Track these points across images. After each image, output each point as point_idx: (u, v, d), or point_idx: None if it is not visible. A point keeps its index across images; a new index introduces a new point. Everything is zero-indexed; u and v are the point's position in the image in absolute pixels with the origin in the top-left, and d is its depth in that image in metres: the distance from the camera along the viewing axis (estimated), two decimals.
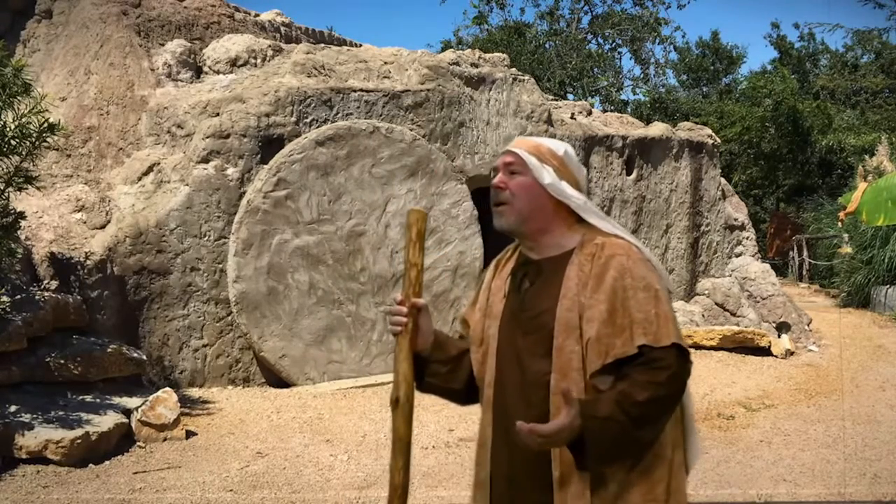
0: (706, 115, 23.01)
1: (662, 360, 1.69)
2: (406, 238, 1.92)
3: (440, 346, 1.96)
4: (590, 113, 10.25)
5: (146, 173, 6.69)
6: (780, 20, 44.34)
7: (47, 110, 4.94)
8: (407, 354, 1.87)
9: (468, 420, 5.42)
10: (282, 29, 9.27)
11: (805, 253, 17.50)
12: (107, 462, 4.63)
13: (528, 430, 1.63)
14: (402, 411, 1.85)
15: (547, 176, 1.83)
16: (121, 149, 7.04)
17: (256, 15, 9.12)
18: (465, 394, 1.98)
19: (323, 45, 8.63)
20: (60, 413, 4.83)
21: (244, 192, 6.51)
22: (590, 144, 8.95)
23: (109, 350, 5.45)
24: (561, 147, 1.90)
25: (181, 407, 5.29)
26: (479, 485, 1.89)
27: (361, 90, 7.18)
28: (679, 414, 1.83)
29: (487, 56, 8.73)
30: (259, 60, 7.67)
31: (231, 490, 4.25)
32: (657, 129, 9.99)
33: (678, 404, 1.77)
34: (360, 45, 9.63)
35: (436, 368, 1.95)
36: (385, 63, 7.83)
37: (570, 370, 1.72)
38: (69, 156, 6.87)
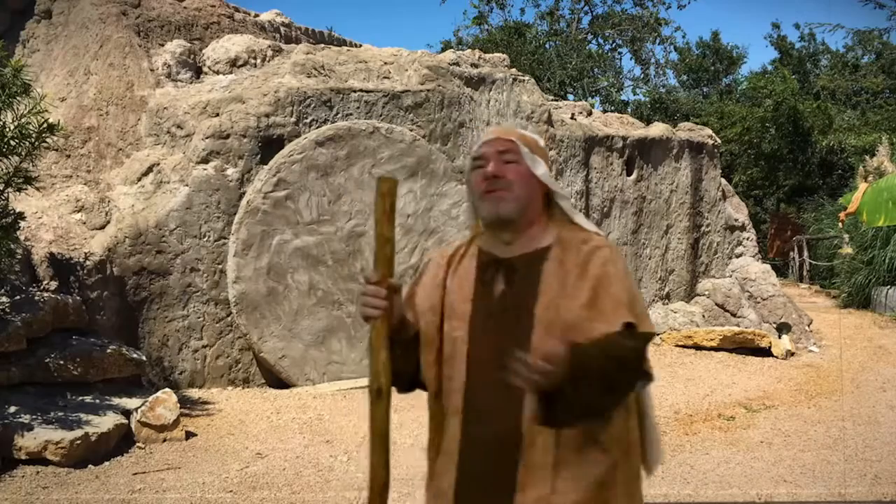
0: (706, 116, 22.97)
1: (643, 336, 1.65)
2: (377, 210, 1.69)
3: (404, 327, 1.78)
4: (590, 113, 10.24)
5: (146, 174, 6.68)
6: (781, 20, 44.37)
7: (47, 111, 4.93)
8: (385, 341, 1.70)
9: None
10: (281, 29, 9.27)
11: (805, 253, 17.48)
12: (106, 463, 4.63)
13: (520, 358, 1.50)
14: (384, 403, 1.70)
15: (540, 166, 1.76)
16: (120, 149, 7.04)
17: (256, 15, 9.12)
18: (412, 378, 1.84)
19: (323, 45, 8.62)
20: (60, 414, 4.83)
21: (244, 193, 6.50)
22: (590, 145, 8.95)
23: (109, 351, 5.45)
24: (539, 138, 1.85)
25: (181, 408, 5.28)
26: (440, 495, 1.76)
27: (361, 90, 7.17)
28: (635, 417, 1.74)
29: (487, 56, 8.73)
30: (259, 61, 7.66)
31: (231, 491, 4.25)
32: (657, 129, 9.99)
33: (630, 388, 1.67)
34: (360, 45, 9.62)
35: (395, 351, 1.76)
36: (385, 63, 7.82)
37: None
38: (69, 156, 6.87)
